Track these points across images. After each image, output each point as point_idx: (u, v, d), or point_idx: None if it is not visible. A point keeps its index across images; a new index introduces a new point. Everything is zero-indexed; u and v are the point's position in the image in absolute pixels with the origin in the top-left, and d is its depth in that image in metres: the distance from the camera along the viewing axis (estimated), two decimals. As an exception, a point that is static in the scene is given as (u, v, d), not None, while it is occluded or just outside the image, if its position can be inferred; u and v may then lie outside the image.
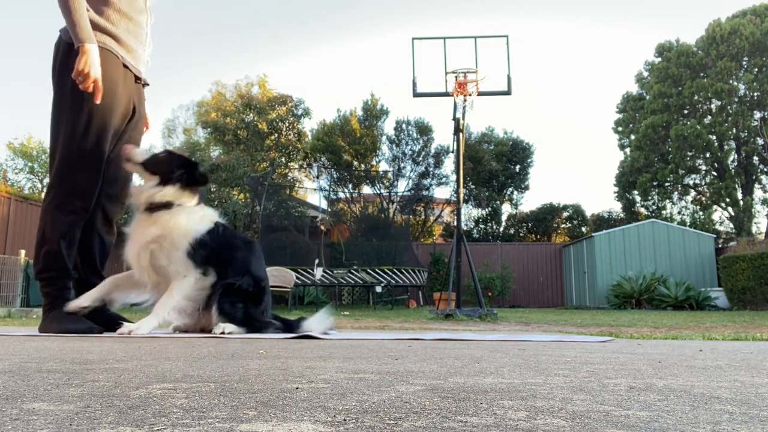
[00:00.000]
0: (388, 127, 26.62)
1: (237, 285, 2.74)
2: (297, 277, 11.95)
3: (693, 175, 21.89)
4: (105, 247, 3.05)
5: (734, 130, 20.44)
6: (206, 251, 2.72)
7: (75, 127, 2.75)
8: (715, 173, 21.15)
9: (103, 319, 2.93)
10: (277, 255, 14.83)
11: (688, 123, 20.51)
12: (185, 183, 2.78)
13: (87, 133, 2.76)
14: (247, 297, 2.78)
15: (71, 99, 2.76)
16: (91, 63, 2.67)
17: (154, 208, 2.72)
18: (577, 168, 43.67)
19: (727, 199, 20.07)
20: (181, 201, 2.75)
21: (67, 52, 2.79)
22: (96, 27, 2.79)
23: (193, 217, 2.76)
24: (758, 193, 21.22)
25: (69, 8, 2.65)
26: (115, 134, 2.91)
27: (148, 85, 3.16)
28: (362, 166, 21.62)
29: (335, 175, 20.86)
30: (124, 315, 3.20)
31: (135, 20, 2.94)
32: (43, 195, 3.16)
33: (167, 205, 2.72)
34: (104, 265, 3.08)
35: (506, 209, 24.05)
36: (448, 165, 20.91)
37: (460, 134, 8.66)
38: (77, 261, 2.93)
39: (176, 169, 2.78)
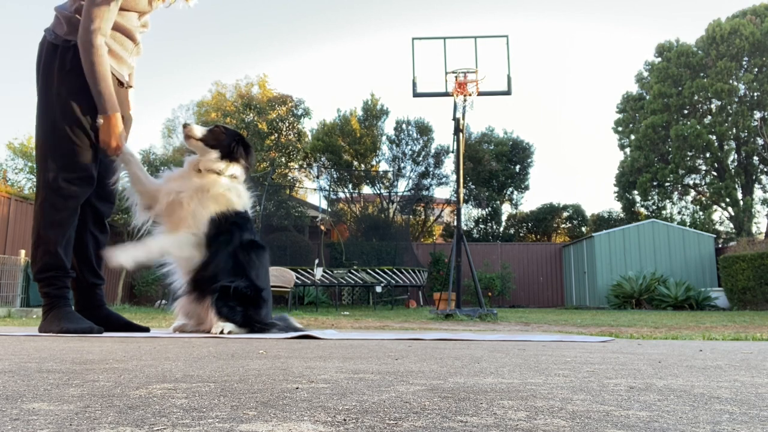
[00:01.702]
0: (388, 127, 26.67)
1: (233, 288, 2.72)
2: (297, 277, 11.95)
3: (693, 175, 21.88)
4: (100, 247, 3.05)
5: (734, 130, 20.44)
6: (223, 227, 2.78)
7: (59, 128, 2.75)
8: (715, 173, 21.15)
9: (103, 319, 2.93)
10: (277, 255, 14.83)
11: (688, 123, 20.51)
12: (245, 160, 2.96)
13: (71, 134, 2.76)
14: (246, 300, 2.77)
15: (56, 100, 2.76)
16: (117, 134, 2.79)
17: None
18: (577, 168, 43.67)
19: (727, 199, 20.07)
20: (236, 174, 2.92)
21: (51, 52, 2.79)
22: (70, 31, 2.78)
23: (234, 191, 2.88)
24: (758, 193, 21.24)
25: (96, 79, 2.71)
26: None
27: (131, 87, 3.16)
28: (362, 166, 21.62)
29: (335, 175, 20.86)
30: (122, 314, 3.20)
31: (123, 27, 2.93)
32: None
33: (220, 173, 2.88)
34: (101, 264, 3.08)
35: (506, 209, 24.07)
36: (448, 165, 20.94)
37: (460, 134, 8.66)
38: (74, 262, 2.92)
39: (234, 143, 2.92)
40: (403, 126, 21.41)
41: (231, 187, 2.87)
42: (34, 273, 2.83)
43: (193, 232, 2.75)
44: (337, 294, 14.54)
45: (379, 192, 20.68)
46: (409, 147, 21.29)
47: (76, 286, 2.97)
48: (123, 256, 2.64)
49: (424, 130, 21.23)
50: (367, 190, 21.18)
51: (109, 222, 3.13)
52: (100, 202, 3.01)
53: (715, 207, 21.10)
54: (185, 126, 2.94)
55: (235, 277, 2.75)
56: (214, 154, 2.88)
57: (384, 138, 21.67)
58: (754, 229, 19.95)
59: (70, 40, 2.77)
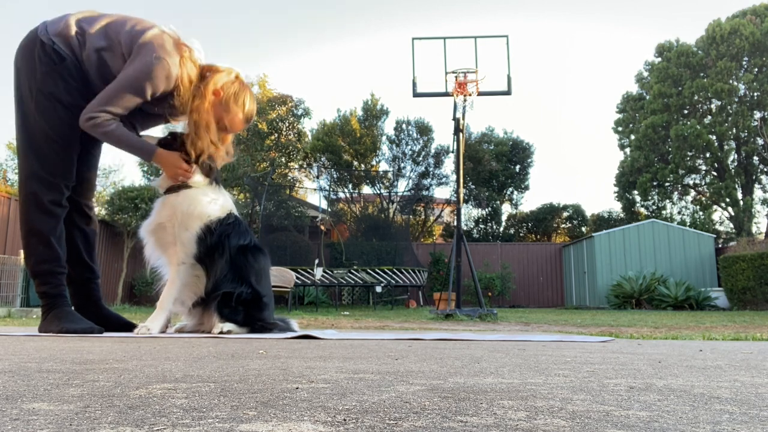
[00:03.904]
0: (388, 127, 26.70)
1: (236, 294, 2.71)
2: (297, 277, 11.95)
3: (693, 175, 21.89)
4: (89, 239, 3.04)
5: (734, 130, 20.44)
6: (212, 240, 2.73)
7: (35, 125, 2.74)
8: (715, 173, 21.16)
9: (103, 319, 2.93)
10: (277, 255, 14.83)
11: (688, 123, 20.51)
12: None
13: (47, 127, 2.74)
14: (248, 303, 2.77)
15: (33, 100, 2.74)
16: (171, 166, 2.79)
17: (169, 191, 2.83)
18: (577, 168, 43.73)
19: (727, 199, 20.07)
20: (191, 182, 2.81)
21: (37, 47, 2.76)
22: (60, 35, 2.76)
23: (203, 199, 2.79)
24: (758, 193, 21.24)
25: (122, 142, 2.72)
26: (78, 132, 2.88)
27: None
28: (362, 166, 21.63)
29: (335, 175, 20.86)
30: (122, 314, 3.20)
31: None
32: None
33: (177, 188, 2.80)
34: (93, 256, 3.07)
35: (506, 209, 24.08)
36: (448, 165, 20.94)
37: (460, 134, 8.66)
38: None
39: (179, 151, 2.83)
40: (403, 126, 21.42)
41: (195, 197, 2.78)
42: (30, 267, 2.79)
43: (183, 260, 2.72)
44: (337, 294, 14.55)
45: (379, 192, 20.69)
46: (409, 147, 21.29)
47: (70, 282, 2.96)
48: (152, 326, 2.66)
49: (424, 130, 21.23)
50: (367, 190, 21.19)
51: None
52: (81, 198, 3.00)
53: (715, 207, 21.10)
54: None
55: (236, 284, 2.74)
56: None
57: (384, 138, 21.68)
58: (754, 229, 19.96)
59: (54, 42, 2.75)
